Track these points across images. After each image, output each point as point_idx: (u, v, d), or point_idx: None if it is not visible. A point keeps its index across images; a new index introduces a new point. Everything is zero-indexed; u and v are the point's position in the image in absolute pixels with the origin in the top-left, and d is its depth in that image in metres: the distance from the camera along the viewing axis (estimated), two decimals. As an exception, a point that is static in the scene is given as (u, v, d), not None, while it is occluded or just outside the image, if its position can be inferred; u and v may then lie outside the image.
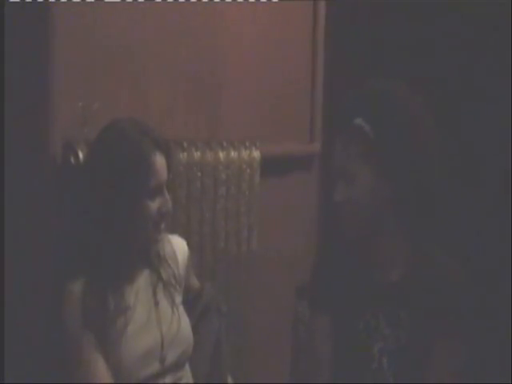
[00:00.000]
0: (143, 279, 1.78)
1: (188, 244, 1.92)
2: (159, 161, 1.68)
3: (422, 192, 1.61)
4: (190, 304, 1.89)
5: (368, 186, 1.61)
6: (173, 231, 1.91)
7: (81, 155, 1.77)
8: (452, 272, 1.66)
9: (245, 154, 2.37)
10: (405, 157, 1.59)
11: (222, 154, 2.27)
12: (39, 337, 1.74)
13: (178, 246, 1.88)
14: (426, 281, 1.65)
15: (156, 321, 1.73)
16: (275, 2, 2.59)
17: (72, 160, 1.77)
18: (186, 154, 2.14)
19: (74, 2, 1.82)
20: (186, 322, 1.81)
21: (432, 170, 1.61)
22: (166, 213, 1.70)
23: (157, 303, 1.76)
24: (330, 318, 1.72)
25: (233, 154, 2.32)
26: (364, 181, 1.61)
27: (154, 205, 1.68)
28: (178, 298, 1.83)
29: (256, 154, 2.41)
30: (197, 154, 2.18)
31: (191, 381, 1.84)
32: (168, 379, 1.74)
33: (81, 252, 1.68)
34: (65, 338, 1.63)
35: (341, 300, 1.70)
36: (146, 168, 1.64)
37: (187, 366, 1.83)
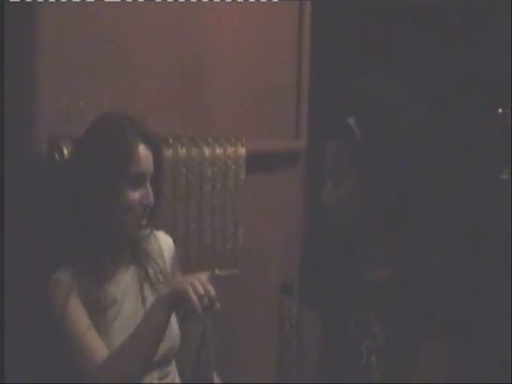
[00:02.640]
0: (130, 276, 1.78)
1: (174, 240, 1.92)
2: (143, 151, 1.69)
3: (409, 196, 1.59)
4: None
5: (354, 190, 1.59)
6: (158, 228, 1.90)
7: (65, 152, 1.77)
8: (440, 272, 1.65)
9: (230, 150, 2.37)
10: (392, 161, 1.56)
11: (207, 151, 2.27)
12: (29, 328, 1.75)
13: (164, 242, 1.88)
14: (414, 280, 1.64)
15: (143, 317, 1.73)
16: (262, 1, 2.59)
17: (57, 156, 1.77)
18: (171, 150, 2.14)
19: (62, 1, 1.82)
20: (173, 319, 1.80)
21: (422, 173, 1.59)
22: (147, 206, 1.70)
23: (144, 300, 1.77)
24: (318, 314, 1.72)
25: (218, 150, 2.32)
26: (350, 184, 1.59)
27: (136, 195, 1.68)
28: (165, 295, 1.84)
29: (242, 150, 2.41)
30: (182, 151, 2.18)
31: (178, 376, 1.85)
32: (155, 374, 1.74)
33: (66, 244, 1.69)
34: (57, 322, 1.63)
35: (330, 297, 1.70)
36: (127, 154, 1.66)
37: (174, 362, 1.84)
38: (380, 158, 1.56)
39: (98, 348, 1.62)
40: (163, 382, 1.77)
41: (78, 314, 1.63)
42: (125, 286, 1.75)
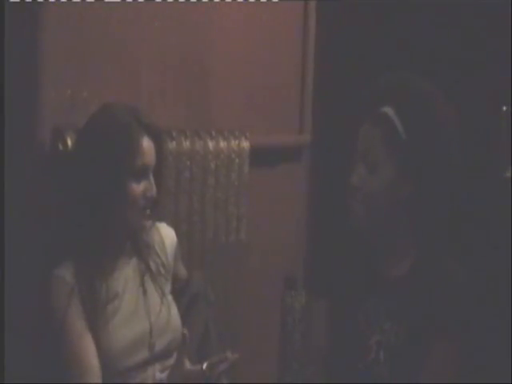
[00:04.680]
0: (131, 268, 1.77)
1: (176, 233, 1.92)
2: (146, 144, 1.68)
3: (441, 193, 1.61)
4: (178, 293, 1.89)
5: (388, 178, 1.59)
6: (161, 220, 1.90)
7: (69, 142, 1.77)
8: (454, 273, 1.64)
9: (234, 143, 2.36)
10: (430, 156, 1.57)
11: (211, 144, 2.27)
12: (28, 325, 1.74)
13: (166, 234, 1.88)
14: (428, 279, 1.63)
15: (144, 309, 1.73)
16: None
17: (60, 147, 1.77)
18: (175, 143, 2.14)
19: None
20: (174, 311, 1.81)
21: (455, 172, 1.61)
22: (150, 198, 1.69)
23: (145, 292, 1.76)
24: (327, 305, 1.72)
25: (222, 143, 2.32)
26: (386, 172, 1.59)
27: (139, 188, 1.68)
28: (167, 287, 1.83)
29: (245, 144, 2.41)
30: (186, 144, 2.18)
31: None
32: (157, 367, 1.74)
33: (68, 237, 1.68)
34: (57, 324, 1.63)
35: (341, 288, 1.70)
36: (132, 147, 1.65)
37: (176, 355, 1.83)
38: (418, 151, 1.57)
39: (87, 360, 1.61)
40: (165, 374, 1.77)
41: (76, 318, 1.63)
42: (126, 278, 1.75)
